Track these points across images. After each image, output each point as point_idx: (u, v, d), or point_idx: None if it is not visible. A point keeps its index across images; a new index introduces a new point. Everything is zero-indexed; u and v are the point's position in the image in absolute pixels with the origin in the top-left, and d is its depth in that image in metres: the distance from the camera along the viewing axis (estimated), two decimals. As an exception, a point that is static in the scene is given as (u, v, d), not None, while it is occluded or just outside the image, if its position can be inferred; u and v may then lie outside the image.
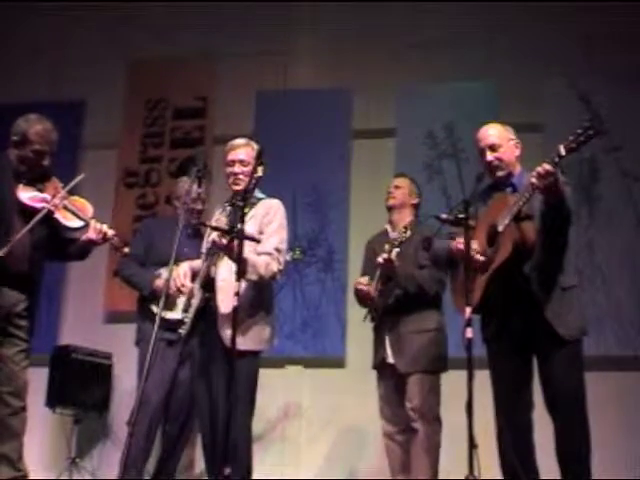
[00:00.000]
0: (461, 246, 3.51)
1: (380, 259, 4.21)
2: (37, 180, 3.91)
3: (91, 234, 3.89)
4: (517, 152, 3.69)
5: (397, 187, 4.54)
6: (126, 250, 4.06)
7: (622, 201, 5.52)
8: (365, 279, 4.33)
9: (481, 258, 3.51)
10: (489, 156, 3.64)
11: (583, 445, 3.42)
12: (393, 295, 4.29)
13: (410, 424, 4.16)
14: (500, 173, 3.65)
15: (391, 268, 4.21)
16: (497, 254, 3.47)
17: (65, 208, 3.87)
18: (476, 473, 3.20)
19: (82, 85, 6.34)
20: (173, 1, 6.32)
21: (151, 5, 6.31)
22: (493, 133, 3.69)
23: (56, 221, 3.85)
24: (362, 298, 4.35)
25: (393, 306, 4.29)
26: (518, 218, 3.42)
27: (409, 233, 4.16)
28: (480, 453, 3.21)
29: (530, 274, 3.44)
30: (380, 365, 4.32)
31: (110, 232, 3.89)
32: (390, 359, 4.26)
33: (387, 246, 4.22)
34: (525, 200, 3.37)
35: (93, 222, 3.88)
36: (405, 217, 4.47)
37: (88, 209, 3.94)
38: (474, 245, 3.52)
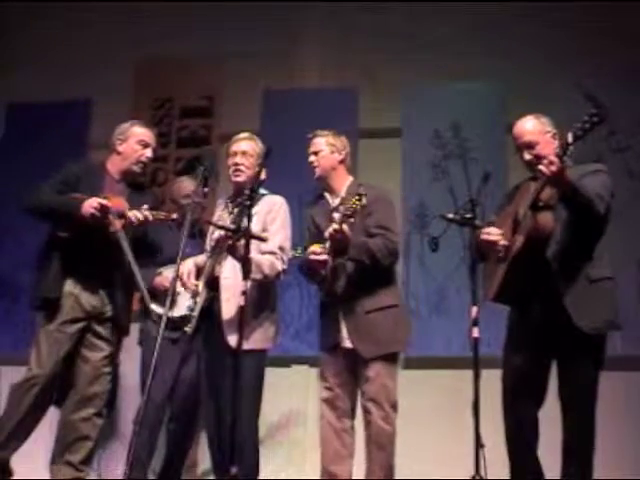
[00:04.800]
0: (484, 237, 3.53)
1: (330, 230, 3.77)
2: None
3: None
4: (555, 143, 3.60)
5: (315, 153, 4.09)
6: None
7: (629, 201, 5.51)
8: (319, 246, 3.86)
9: (505, 242, 3.53)
10: (527, 155, 3.60)
11: (587, 445, 3.42)
12: (345, 270, 3.90)
13: (365, 412, 3.86)
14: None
15: (344, 240, 3.79)
16: (515, 243, 3.49)
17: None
18: (482, 473, 3.20)
19: (89, 84, 6.33)
20: (180, 1, 6.33)
21: (158, 4, 6.32)
22: (528, 130, 3.63)
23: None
24: (316, 268, 3.90)
25: (346, 282, 3.90)
26: (537, 207, 3.44)
27: (364, 201, 3.68)
28: (487, 452, 3.22)
29: (552, 263, 3.43)
30: (332, 348, 3.95)
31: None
32: (347, 343, 3.88)
33: (337, 216, 3.78)
34: (539, 189, 3.38)
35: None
36: (341, 179, 4.09)
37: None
38: (497, 234, 3.53)
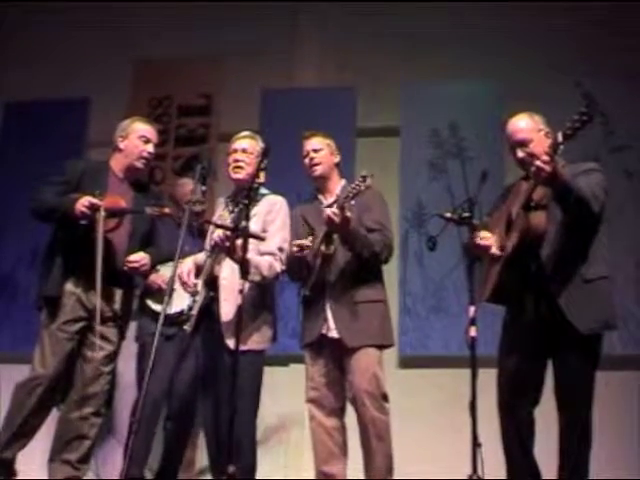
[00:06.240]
0: (477, 241, 3.53)
1: (328, 212, 3.70)
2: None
3: None
4: (548, 142, 3.53)
5: (316, 151, 4.07)
6: None
7: (626, 201, 5.51)
8: (307, 240, 3.85)
9: (496, 252, 3.53)
10: (520, 153, 3.59)
11: (583, 444, 3.42)
12: (336, 260, 3.86)
13: (359, 405, 3.80)
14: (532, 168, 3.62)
15: (343, 224, 3.72)
16: (508, 243, 3.49)
17: None
18: (480, 472, 3.20)
19: (87, 83, 6.32)
20: (179, 0, 6.32)
21: (157, 3, 6.31)
22: (522, 128, 3.61)
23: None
24: (301, 261, 3.88)
25: (338, 273, 3.87)
26: (529, 207, 3.44)
27: (369, 182, 3.61)
28: (484, 452, 3.21)
29: (546, 263, 3.44)
30: (317, 341, 3.89)
31: None
32: (333, 333, 3.83)
33: (339, 201, 3.72)
34: (531, 189, 3.38)
35: None
36: (336, 181, 4.09)
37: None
38: (489, 239, 3.54)
